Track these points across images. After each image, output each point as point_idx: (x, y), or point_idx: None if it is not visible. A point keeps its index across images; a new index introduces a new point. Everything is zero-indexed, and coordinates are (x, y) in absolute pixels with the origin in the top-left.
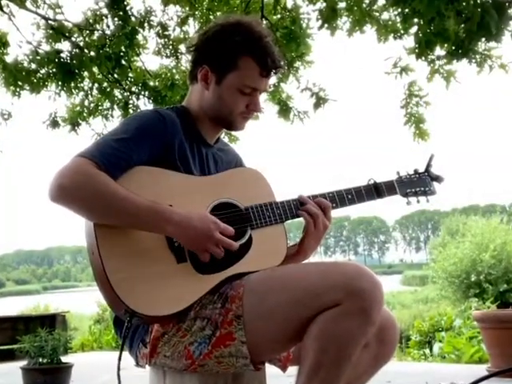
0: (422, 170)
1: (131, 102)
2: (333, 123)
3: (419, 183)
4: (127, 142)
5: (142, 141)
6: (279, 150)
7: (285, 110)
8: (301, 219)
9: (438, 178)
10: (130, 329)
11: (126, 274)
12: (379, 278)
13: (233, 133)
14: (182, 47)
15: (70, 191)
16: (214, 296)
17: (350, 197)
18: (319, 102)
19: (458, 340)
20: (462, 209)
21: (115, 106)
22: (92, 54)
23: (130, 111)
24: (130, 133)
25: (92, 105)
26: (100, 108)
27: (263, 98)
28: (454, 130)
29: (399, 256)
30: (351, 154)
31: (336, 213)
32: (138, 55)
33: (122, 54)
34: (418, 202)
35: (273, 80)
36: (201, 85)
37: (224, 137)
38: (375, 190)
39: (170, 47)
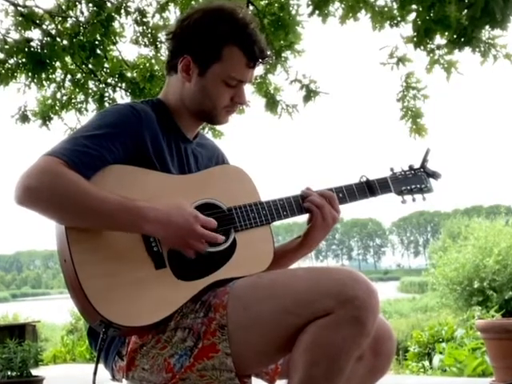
0: (417, 165)
1: (107, 94)
2: (324, 118)
3: (415, 180)
4: (100, 139)
5: (115, 138)
6: (266, 147)
7: (272, 103)
8: (288, 221)
9: (434, 175)
10: (105, 340)
11: (101, 282)
12: (375, 285)
13: (217, 127)
14: (162, 35)
15: (37, 193)
16: (195, 304)
17: (340, 195)
18: (309, 94)
19: (459, 352)
20: (464, 210)
21: (90, 99)
22: (65, 42)
23: (106, 104)
24: (102, 129)
25: (64, 98)
26: (73, 101)
27: (249, 90)
28: (455, 126)
29: (396, 261)
30: (343, 150)
31: None
32: (114, 44)
33: (97, 42)
34: (414, 200)
35: (259, 71)
36: (181, 76)
37: (207, 132)
38: (368, 188)
39: (149, 35)
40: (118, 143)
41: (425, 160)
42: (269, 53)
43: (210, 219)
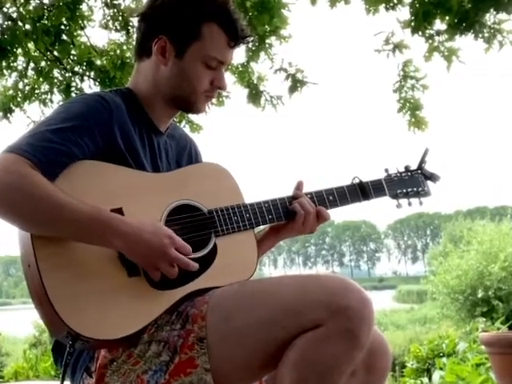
0: (414, 166)
1: (74, 84)
2: (312, 111)
3: (411, 183)
4: (66, 133)
5: (83, 131)
6: (248, 142)
7: (255, 94)
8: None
9: (432, 177)
10: (72, 355)
11: (69, 289)
12: (369, 294)
13: (195, 121)
14: (135, 19)
15: None
16: (171, 315)
17: (331, 198)
18: (296, 85)
19: (462, 367)
20: (466, 211)
21: (55, 90)
22: (27, 27)
23: (73, 95)
24: (69, 121)
25: (27, 88)
26: (37, 92)
27: (230, 80)
28: (457, 120)
29: (392, 267)
30: (334, 147)
31: None
32: (81, 29)
33: (62, 27)
34: (410, 204)
35: (240, 58)
36: (156, 60)
37: (184, 126)
38: (361, 191)
39: (120, 19)
40: (87, 137)
41: (423, 161)
42: (250, 34)
43: (185, 244)
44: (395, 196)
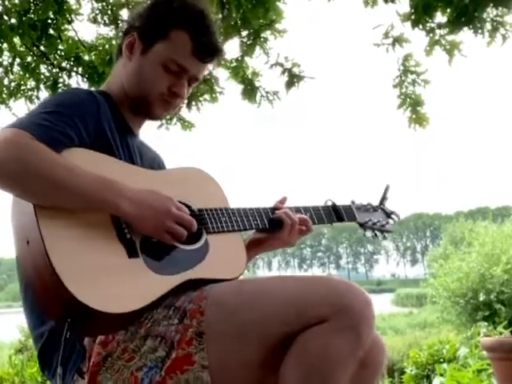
0: (376, 203)
1: (61, 80)
2: (309, 106)
3: (377, 215)
4: (61, 116)
5: (76, 116)
6: (243, 140)
7: (250, 89)
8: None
9: (393, 214)
10: (66, 345)
11: (75, 262)
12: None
13: (187, 118)
14: (124, 13)
15: (5, 164)
16: (169, 310)
17: (307, 215)
18: (292, 80)
19: (463, 374)
20: (467, 212)
21: (41, 86)
22: (13, 21)
23: (60, 91)
24: (62, 107)
25: (13, 84)
26: (23, 88)
27: (224, 75)
28: (458, 116)
29: (391, 270)
30: (332, 143)
31: None
32: (69, 23)
33: (49, 21)
34: (375, 236)
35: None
36: (125, 56)
37: (176, 123)
38: (334, 213)
39: (109, 13)
40: (80, 123)
41: (384, 197)
42: (221, 50)
43: (182, 206)
44: (365, 223)
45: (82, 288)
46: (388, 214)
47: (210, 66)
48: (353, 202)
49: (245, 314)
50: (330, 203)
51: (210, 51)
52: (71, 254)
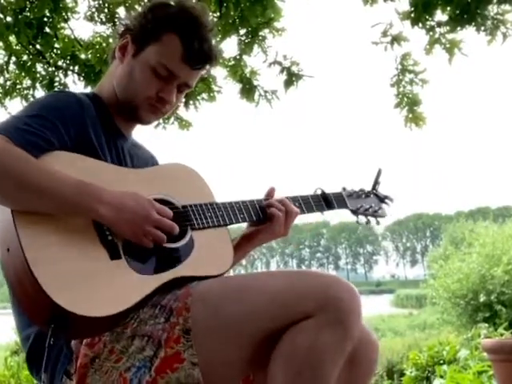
0: (368, 188)
1: (57, 79)
2: (308, 105)
3: (369, 201)
4: (42, 120)
5: (59, 123)
6: (241, 139)
7: (249, 88)
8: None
9: (386, 198)
10: (52, 350)
11: (55, 268)
12: (366, 298)
13: (185, 118)
14: (121, 11)
15: None
16: (154, 309)
17: (296, 205)
18: (291, 78)
19: (463, 375)
20: (468, 212)
21: (37, 85)
22: (8, 19)
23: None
24: (44, 111)
25: (8, 83)
26: (18, 87)
27: (222, 74)
28: (457, 116)
29: (390, 271)
30: (330, 142)
31: (313, 217)
32: (65, 21)
33: (45, 19)
34: (368, 222)
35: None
36: (118, 58)
37: (173, 122)
38: (324, 201)
39: (106, 11)
40: (62, 126)
41: (376, 182)
42: (213, 59)
43: (165, 207)
44: (356, 210)
45: (64, 294)
46: (381, 199)
47: (202, 72)
48: (344, 189)
49: (230, 310)
50: (319, 192)
51: (200, 58)
52: (52, 261)
